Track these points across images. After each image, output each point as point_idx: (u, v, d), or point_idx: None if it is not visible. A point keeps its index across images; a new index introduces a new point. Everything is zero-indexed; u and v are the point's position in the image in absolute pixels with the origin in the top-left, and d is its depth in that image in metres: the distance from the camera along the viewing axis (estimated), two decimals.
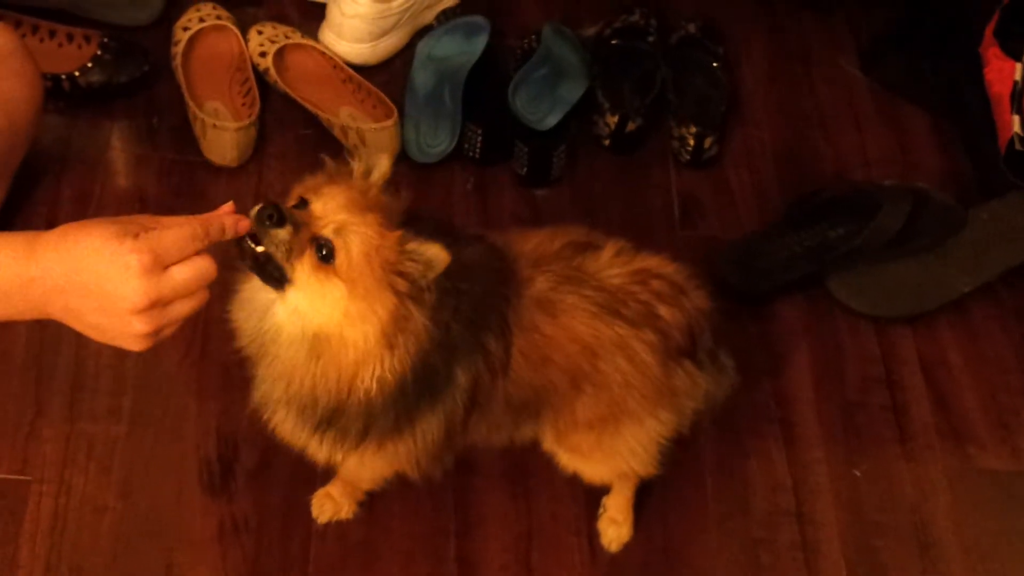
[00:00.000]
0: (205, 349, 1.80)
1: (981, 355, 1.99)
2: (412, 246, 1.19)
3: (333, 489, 1.69)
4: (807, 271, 1.99)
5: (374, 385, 1.24)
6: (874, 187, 2.01)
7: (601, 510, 1.74)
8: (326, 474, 1.71)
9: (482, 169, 2.08)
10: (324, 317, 1.21)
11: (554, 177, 2.07)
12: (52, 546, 1.61)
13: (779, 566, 1.74)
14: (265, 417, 1.38)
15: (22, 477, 1.66)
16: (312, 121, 2.06)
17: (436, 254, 1.18)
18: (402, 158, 2.04)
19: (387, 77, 2.13)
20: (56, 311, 1.10)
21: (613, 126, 2.11)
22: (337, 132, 2.03)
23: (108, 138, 2.02)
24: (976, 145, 2.18)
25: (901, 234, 1.95)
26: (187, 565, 1.63)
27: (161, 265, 1.08)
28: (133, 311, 1.08)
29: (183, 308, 1.12)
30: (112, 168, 1.99)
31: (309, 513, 1.69)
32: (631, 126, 2.11)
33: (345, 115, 2.05)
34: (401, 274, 1.19)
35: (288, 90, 2.04)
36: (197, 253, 1.11)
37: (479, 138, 2.04)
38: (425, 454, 1.41)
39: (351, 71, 2.07)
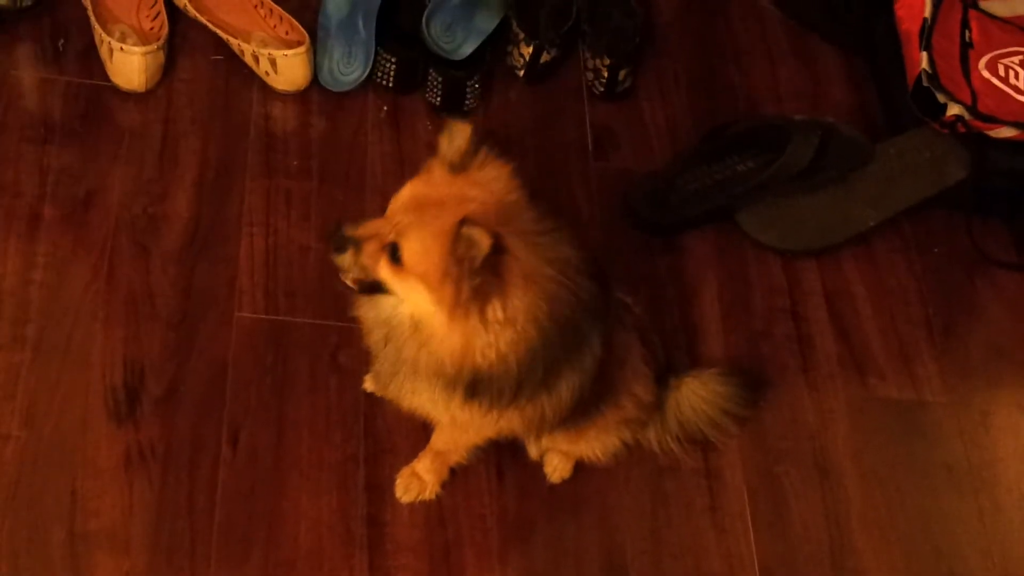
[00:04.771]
0: (111, 275, 1.78)
1: (884, 287, 2.03)
2: (465, 230, 1.19)
3: (419, 466, 1.69)
4: (717, 204, 2.01)
5: (493, 357, 1.28)
6: (784, 121, 2.02)
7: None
8: (236, 404, 1.71)
9: (396, 98, 2.07)
10: (416, 308, 1.29)
11: (468, 107, 2.07)
12: None
13: (683, 492, 1.77)
14: (392, 392, 1.46)
15: None
16: (223, 46, 2.03)
17: (478, 238, 1.18)
18: (314, 85, 2.03)
19: (300, 3, 2.09)
20: None
21: (528, 57, 2.10)
22: (248, 58, 2.00)
23: (13, 61, 1.97)
24: (885, 81, 2.21)
25: (809, 168, 1.97)
26: (92, 493, 1.61)
27: None
28: None
29: None
30: (17, 91, 1.95)
31: (216, 440, 1.68)
32: (546, 57, 2.10)
33: (256, 41, 2.01)
34: (459, 260, 1.21)
35: (198, 14, 2.00)
36: None
37: (393, 66, 2.03)
38: (557, 412, 1.45)
39: None
